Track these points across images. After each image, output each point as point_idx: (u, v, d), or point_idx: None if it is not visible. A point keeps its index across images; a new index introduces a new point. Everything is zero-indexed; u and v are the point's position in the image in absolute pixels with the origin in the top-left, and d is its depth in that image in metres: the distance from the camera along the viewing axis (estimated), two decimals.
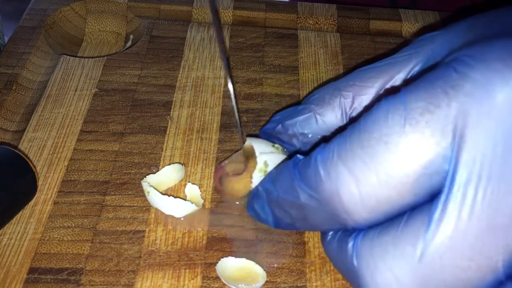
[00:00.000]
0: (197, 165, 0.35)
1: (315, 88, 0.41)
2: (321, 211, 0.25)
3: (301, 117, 0.31)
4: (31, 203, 0.32)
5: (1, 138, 0.36)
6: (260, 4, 0.48)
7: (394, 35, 0.47)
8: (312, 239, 0.31)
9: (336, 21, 0.48)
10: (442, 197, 0.23)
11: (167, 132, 0.37)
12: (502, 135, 0.22)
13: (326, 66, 0.43)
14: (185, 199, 0.32)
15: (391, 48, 0.45)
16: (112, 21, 0.48)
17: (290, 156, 0.32)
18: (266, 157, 0.31)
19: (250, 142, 0.33)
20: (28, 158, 0.33)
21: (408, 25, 0.48)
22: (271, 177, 0.28)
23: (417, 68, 0.28)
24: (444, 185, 0.23)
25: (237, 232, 0.31)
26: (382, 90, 0.29)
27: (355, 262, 0.24)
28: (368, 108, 0.27)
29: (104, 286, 0.29)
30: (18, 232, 0.31)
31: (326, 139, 0.27)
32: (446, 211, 0.22)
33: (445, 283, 0.23)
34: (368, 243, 0.24)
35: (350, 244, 0.25)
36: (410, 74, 0.29)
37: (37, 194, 0.33)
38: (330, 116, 0.30)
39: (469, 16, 0.28)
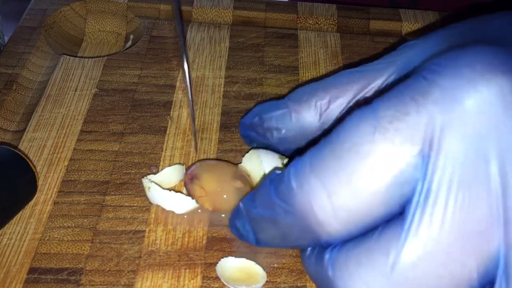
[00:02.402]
0: None
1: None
2: (296, 226, 0.25)
3: (277, 112, 0.32)
4: (31, 203, 0.32)
5: (1, 138, 0.36)
6: (260, 4, 0.49)
7: (394, 35, 0.47)
8: None
9: (336, 21, 0.48)
10: (413, 205, 0.23)
11: (167, 132, 0.37)
12: (472, 140, 0.22)
13: (326, 66, 0.43)
14: None
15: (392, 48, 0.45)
16: (112, 21, 0.48)
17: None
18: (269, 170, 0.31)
19: (259, 153, 0.33)
20: (28, 158, 0.33)
21: (408, 25, 0.48)
22: (251, 194, 0.28)
23: (393, 77, 0.28)
24: (414, 194, 0.23)
25: None
26: (358, 96, 0.29)
27: (330, 274, 0.24)
28: (340, 120, 0.27)
29: (104, 286, 0.29)
30: (18, 232, 0.31)
31: (299, 152, 0.27)
32: (417, 219, 0.22)
33: None
34: (343, 255, 0.24)
35: (326, 257, 0.25)
36: (386, 82, 0.29)
37: (37, 194, 0.33)
38: (305, 115, 0.30)
39: (467, 18, 0.28)
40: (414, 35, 0.47)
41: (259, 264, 0.30)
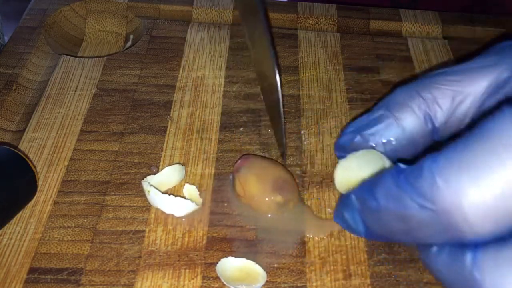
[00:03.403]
0: (197, 165, 0.35)
1: (317, 88, 0.41)
2: (434, 223, 0.24)
3: (381, 125, 0.30)
4: (31, 203, 0.32)
5: (1, 138, 0.36)
6: None
7: (394, 35, 0.47)
8: (312, 239, 0.31)
9: (336, 21, 0.48)
10: None
11: (167, 132, 0.37)
12: None
13: (326, 66, 0.43)
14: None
15: (391, 48, 0.45)
16: (112, 21, 0.48)
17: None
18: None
19: (360, 156, 0.31)
20: (28, 158, 0.33)
21: (408, 25, 0.48)
22: (367, 185, 0.27)
23: (504, 76, 0.27)
24: None
25: (237, 232, 0.31)
26: (464, 94, 0.28)
27: (477, 275, 0.23)
28: (485, 115, 0.25)
29: (104, 286, 0.29)
30: (18, 232, 0.31)
31: (434, 147, 0.25)
32: None
33: None
34: (491, 255, 0.23)
35: (468, 257, 0.23)
36: (496, 82, 0.28)
37: (37, 194, 0.33)
38: (411, 120, 0.29)
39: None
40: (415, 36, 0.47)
41: (259, 264, 0.30)
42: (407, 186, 0.24)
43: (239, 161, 0.34)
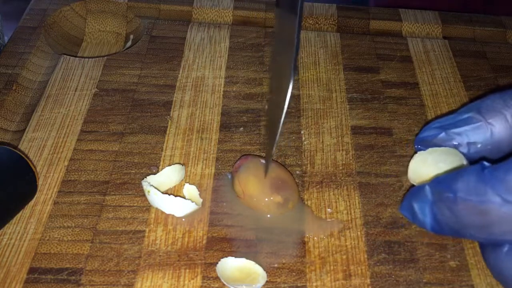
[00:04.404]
0: (197, 165, 0.35)
1: (316, 88, 0.41)
2: None
3: (469, 126, 0.30)
4: (31, 203, 0.32)
5: (1, 138, 0.36)
6: (260, 4, 0.49)
7: (394, 35, 0.47)
8: (312, 239, 0.31)
9: (336, 21, 0.48)
10: None
11: (167, 132, 0.37)
12: None
13: (326, 66, 0.43)
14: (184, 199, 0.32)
15: (391, 48, 0.45)
16: (112, 21, 0.48)
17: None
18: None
19: (435, 154, 0.31)
20: (28, 158, 0.33)
21: (408, 25, 0.48)
22: (446, 178, 0.27)
23: None
24: None
25: (237, 232, 0.31)
26: None
27: None
28: None
29: (104, 286, 0.29)
30: (18, 232, 0.31)
31: None
32: None
33: None
34: None
35: None
36: None
37: (37, 194, 0.33)
38: (502, 127, 0.29)
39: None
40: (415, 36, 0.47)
41: (259, 264, 0.30)
42: (493, 180, 0.24)
43: (238, 161, 0.34)
